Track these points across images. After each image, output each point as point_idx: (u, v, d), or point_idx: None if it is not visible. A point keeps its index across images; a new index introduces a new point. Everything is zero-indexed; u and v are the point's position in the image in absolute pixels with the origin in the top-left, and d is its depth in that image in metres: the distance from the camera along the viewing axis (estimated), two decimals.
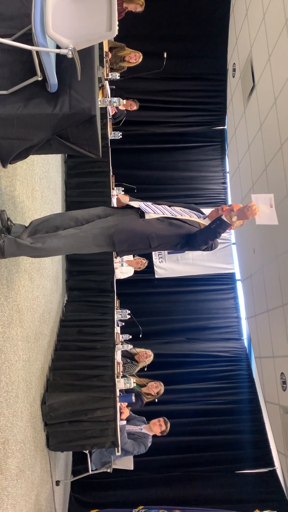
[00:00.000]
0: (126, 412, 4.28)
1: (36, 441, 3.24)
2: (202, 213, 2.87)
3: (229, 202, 7.57)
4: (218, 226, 2.54)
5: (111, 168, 5.55)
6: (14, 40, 2.01)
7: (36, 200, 3.56)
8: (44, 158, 4.03)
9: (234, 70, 6.95)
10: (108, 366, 4.05)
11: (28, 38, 1.97)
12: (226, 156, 7.68)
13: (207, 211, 2.88)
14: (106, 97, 4.82)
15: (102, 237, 2.53)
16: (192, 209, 2.85)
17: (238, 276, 7.40)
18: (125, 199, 2.76)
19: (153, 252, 7.00)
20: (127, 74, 5.67)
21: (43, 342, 3.70)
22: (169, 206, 2.78)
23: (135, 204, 2.69)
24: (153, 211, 2.65)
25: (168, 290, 7.20)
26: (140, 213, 2.70)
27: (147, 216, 2.63)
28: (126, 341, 5.25)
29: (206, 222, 2.77)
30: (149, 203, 2.72)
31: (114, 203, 5.36)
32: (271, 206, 2.59)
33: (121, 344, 4.82)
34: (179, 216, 2.68)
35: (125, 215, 2.66)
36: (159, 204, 2.77)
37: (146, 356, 5.11)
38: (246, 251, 6.66)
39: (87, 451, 4.15)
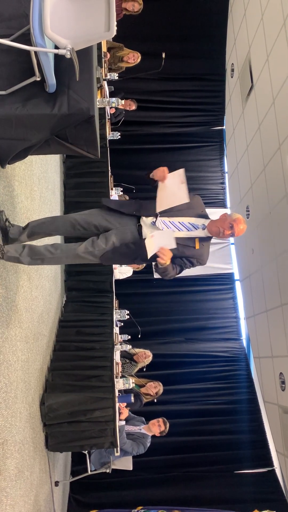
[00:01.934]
0: (125, 413, 4.28)
1: (35, 442, 3.24)
2: (207, 216, 2.77)
3: (228, 203, 7.58)
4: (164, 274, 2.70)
5: (109, 169, 5.55)
6: (12, 41, 2.01)
7: (34, 201, 3.56)
8: (42, 159, 4.03)
9: (232, 70, 6.96)
10: (107, 366, 4.05)
11: (26, 38, 1.97)
12: (225, 156, 7.69)
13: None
14: (104, 97, 4.82)
15: (99, 257, 2.65)
16: (196, 212, 2.74)
17: (237, 276, 7.40)
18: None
19: None
20: (125, 75, 5.67)
21: (42, 342, 3.70)
22: (169, 218, 2.68)
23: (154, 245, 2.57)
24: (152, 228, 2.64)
25: (167, 290, 7.20)
26: (137, 218, 2.68)
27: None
28: (125, 342, 5.25)
29: (205, 233, 2.71)
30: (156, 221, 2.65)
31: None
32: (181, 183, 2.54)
33: (120, 345, 4.82)
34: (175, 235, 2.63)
35: (124, 232, 2.64)
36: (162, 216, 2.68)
37: (145, 356, 5.11)
38: (244, 251, 6.67)
39: (86, 451, 4.15)
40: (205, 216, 2.78)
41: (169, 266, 2.62)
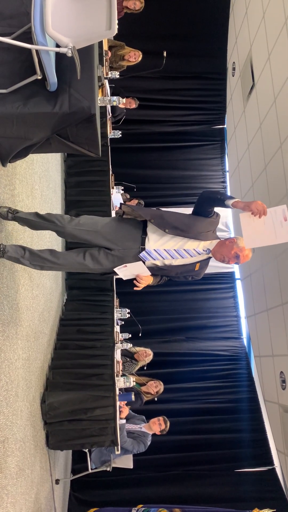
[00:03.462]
0: (126, 411, 4.28)
1: (36, 440, 3.25)
2: (217, 237, 2.66)
3: None
4: None
5: (110, 167, 5.55)
6: (13, 39, 2.00)
7: (35, 199, 3.56)
8: (43, 157, 4.03)
9: (233, 69, 6.95)
10: (108, 365, 4.05)
11: (27, 36, 1.97)
12: (226, 155, 7.68)
13: None
14: (105, 96, 4.82)
15: (98, 273, 2.72)
16: (205, 233, 2.60)
17: (237, 275, 7.40)
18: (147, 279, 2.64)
19: None
20: (126, 73, 5.67)
21: (42, 341, 3.70)
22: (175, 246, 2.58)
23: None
24: (154, 258, 2.59)
25: (167, 289, 7.20)
26: (143, 227, 2.62)
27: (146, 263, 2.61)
28: (126, 340, 5.25)
29: (207, 256, 2.63)
30: (161, 250, 2.58)
31: (114, 202, 5.36)
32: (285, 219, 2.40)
33: (121, 343, 4.82)
34: (174, 263, 2.59)
35: (127, 255, 2.59)
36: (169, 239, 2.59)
37: (146, 355, 5.11)
38: None
39: (87, 450, 4.16)
40: (214, 236, 2.65)
41: (152, 282, 2.70)
